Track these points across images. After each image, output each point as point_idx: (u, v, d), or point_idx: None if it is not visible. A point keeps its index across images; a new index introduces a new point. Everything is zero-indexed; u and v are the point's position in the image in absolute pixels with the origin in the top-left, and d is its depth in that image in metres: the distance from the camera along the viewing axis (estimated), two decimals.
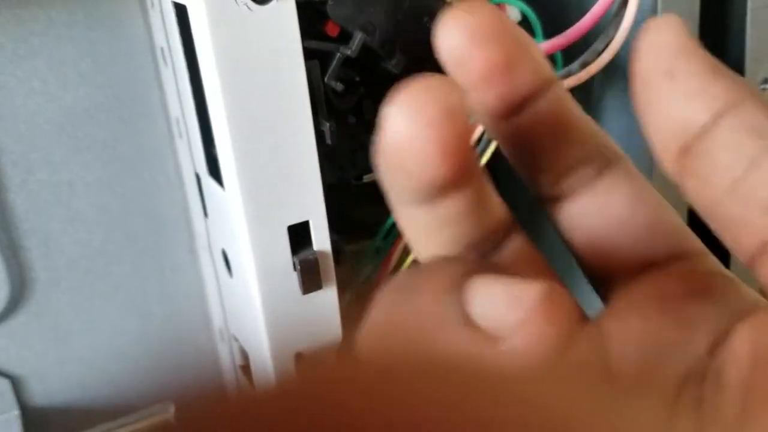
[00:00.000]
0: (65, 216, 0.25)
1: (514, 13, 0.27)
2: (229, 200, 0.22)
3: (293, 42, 0.20)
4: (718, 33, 0.29)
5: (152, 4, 0.24)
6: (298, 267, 0.22)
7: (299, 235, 0.22)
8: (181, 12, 0.22)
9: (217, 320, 0.28)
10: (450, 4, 0.24)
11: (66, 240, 0.26)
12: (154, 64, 0.25)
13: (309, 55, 0.21)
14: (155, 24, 0.24)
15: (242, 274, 0.23)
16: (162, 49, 0.24)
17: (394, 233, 0.27)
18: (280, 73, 0.20)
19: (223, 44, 0.20)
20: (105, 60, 0.25)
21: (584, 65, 0.26)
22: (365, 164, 0.25)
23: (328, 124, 0.22)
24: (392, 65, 0.22)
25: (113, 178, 0.26)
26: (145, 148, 0.26)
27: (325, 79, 0.22)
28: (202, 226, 0.26)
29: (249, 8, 0.20)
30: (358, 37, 0.21)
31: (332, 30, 0.22)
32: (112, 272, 0.26)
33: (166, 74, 0.25)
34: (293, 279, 0.22)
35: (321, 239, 0.22)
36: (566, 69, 0.26)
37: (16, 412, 0.26)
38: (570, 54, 0.27)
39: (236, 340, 0.27)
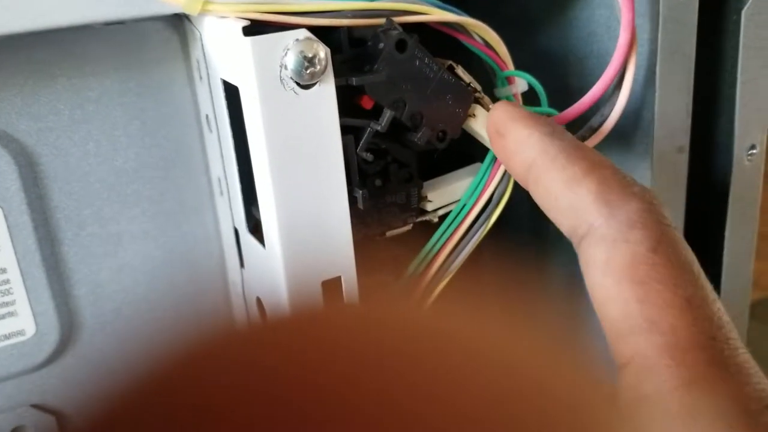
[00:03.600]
0: (113, 266, 0.28)
1: (522, 84, 0.29)
2: (268, 258, 0.25)
3: (332, 120, 0.23)
4: (710, 102, 0.31)
5: (200, 78, 0.26)
6: None
7: (332, 288, 0.25)
8: (230, 89, 0.24)
9: None
10: (470, 85, 0.26)
11: (113, 288, 0.28)
12: (198, 129, 0.28)
13: (344, 130, 0.24)
14: (201, 94, 0.27)
15: None
16: (207, 116, 0.27)
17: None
18: (320, 147, 0.23)
19: (272, 123, 0.22)
20: (153, 124, 0.27)
21: (582, 140, 0.28)
22: (389, 222, 0.27)
23: (360, 192, 0.25)
24: (417, 137, 0.25)
25: (157, 231, 0.28)
26: (187, 204, 0.28)
27: (358, 151, 0.24)
28: (237, 275, 0.29)
29: (295, 92, 0.22)
30: (387, 114, 0.24)
31: (367, 103, 0.24)
32: (153, 318, 0.29)
33: (210, 139, 0.27)
34: None
35: (351, 292, 0.25)
36: None
37: None
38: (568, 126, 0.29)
39: None
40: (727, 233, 0.32)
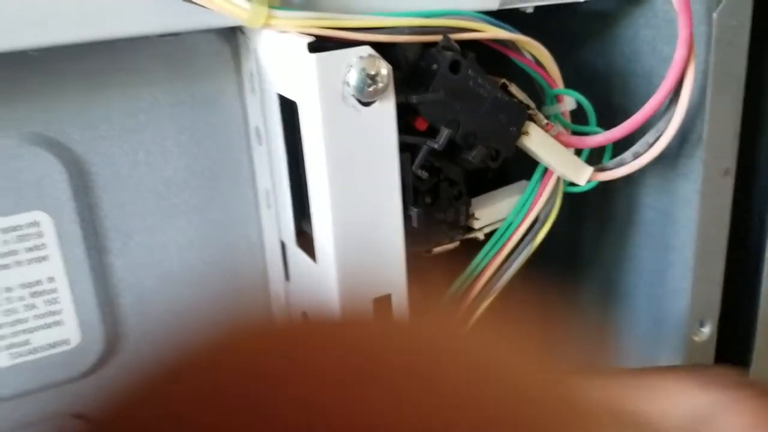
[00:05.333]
0: (158, 275, 0.28)
1: (571, 102, 0.29)
2: (320, 272, 0.24)
3: (391, 138, 0.23)
4: (756, 124, 0.31)
5: (252, 90, 0.26)
6: None
7: (382, 306, 0.24)
8: (285, 104, 0.24)
9: None
10: (526, 104, 0.26)
11: (156, 297, 0.28)
12: (247, 142, 0.28)
13: (401, 147, 0.24)
14: (252, 107, 0.27)
15: None
16: (257, 128, 0.27)
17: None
18: (378, 164, 0.23)
19: (332, 139, 0.22)
20: (202, 135, 0.27)
21: (636, 156, 0.28)
22: (437, 239, 0.27)
23: (415, 210, 0.24)
24: (472, 156, 0.25)
25: (202, 241, 0.28)
26: (233, 215, 0.28)
27: (413, 168, 0.24)
28: (281, 288, 0.28)
29: (356, 109, 0.22)
30: (444, 133, 0.24)
31: (421, 125, 0.24)
32: (194, 327, 0.28)
33: (259, 151, 0.27)
34: None
35: (401, 310, 0.25)
36: (619, 158, 0.29)
37: None
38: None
39: None
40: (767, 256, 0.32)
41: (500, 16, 0.26)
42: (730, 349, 0.33)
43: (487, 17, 0.26)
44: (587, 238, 0.36)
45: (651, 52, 0.31)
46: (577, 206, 0.33)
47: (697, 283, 0.30)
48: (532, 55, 0.28)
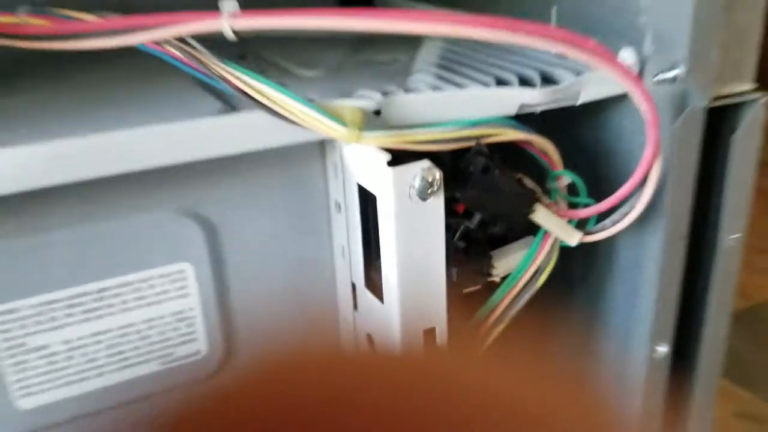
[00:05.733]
0: (261, 303, 0.38)
1: (567, 179, 0.39)
2: (386, 311, 0.35)
3: (440, 222, 0.33)
4: (705, 201, 0.41)
5: (335, 175, 0.36)
6: None
7: (429, 336, 0.35)
8: (362, 191, 0.34)
9: None
10: (535, 192, 0.36)
11: (259, 320, 0.38)
12: (327, 210, 0.38)
13: (446, 226, 0.33)
14: (333, 186, 0.37)
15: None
16: (336, 201, 0.37)
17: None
18: (430, 239, 0.33)
19: (401, 224, 0.32)
20: (295, 206, 0.37)
21: (614, 223, 0.38)
22: (467, 283, 0.37)
23: (454, 269, 0.35)
24: (496, 230, 0.35)
25: (292, 278, 0.38)
26: (314, 263, 0.38)
27: (454, 240, 0.34)
28: (350, 316, 0.39)
29: (418, 204, 0.32)
30: (477, 217, 0.34)
31: (460, 209, 0.34)
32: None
33: (337, 218, 0.37)
34: None
35: (442, 341, 0.35)
36: (601, 224, 0.39)
37: None
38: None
39: None
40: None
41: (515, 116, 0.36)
42: (683, 364, 0.43)
43: (508, 120, 0.36)
44: (577, 277, 0.46)
45: (631, 136, 0.41)
46: (569, 253, 0.43)
47: (656, 314, 0.40)
48: (541, 148, 0.37)
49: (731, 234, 0.40)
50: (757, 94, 0.39)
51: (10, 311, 0.32)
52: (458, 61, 0.40)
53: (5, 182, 0.28)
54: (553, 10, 0.43)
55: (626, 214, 0.38)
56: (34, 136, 0.29)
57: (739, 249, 0.41)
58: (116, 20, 0.31)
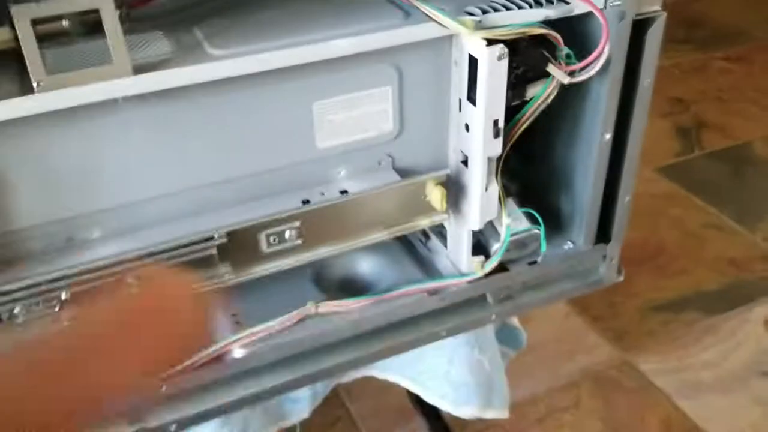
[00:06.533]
0: None
1: (565, 51, 0.80)
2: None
3: (505, 70, 0.74)
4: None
5: (458, 49, 0.77)
6: None
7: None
8: (471, 57, 0.75)
9: None
10: (547, 56, 0.78)
11: None
12: (449, 65, 0.79)
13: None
14: (455, 53, 0.78)
15: None
16: (455, 60, 0.78)
17: None
18: (501, 78, 0.75)
19: (489, 70, 0.74)
20: (437, 58, 0.79)
21: (587, 73, 0.80)
22: (516, 95, 0.79)
23: (510, 92, 0.77)
24: (529, 74, 0.77)
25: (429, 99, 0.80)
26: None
27: (510, 77, 0.76)
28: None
29: (495, 62, 0.73)
30: (521, 68, 0.76)
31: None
32: None
33: (455, 69, 0.79)
34: None
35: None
36: (579, 73, 0.80)
37: None
38: None
39: None
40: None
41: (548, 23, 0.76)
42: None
43: (539, 23, 0.77)
44: (563, 106, 0.88)
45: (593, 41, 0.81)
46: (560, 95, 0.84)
47: (606, 113, 0.83)
48: (554, 38, 0.78)
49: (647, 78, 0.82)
50: (661, 12, 0.79)
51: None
52: None
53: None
54: None
55: (593, 69, 0.80)
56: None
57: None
58: None
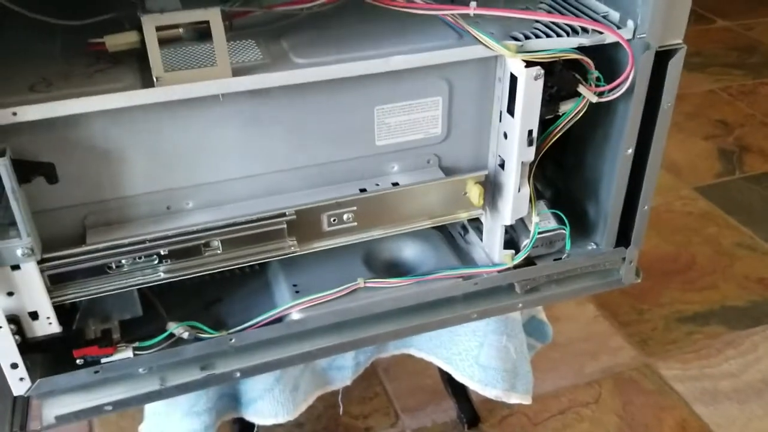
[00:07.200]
0: None
1: (595, 74, 0.92)
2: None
3: (540, 88, 0.87)
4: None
5: (501, 68, 0.90)
6: None
7: None
8: (512, 76, 0.88)
9: None
10: (578, 78, 0.90)
11: None
12: (494, 81, 0.92)
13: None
14: (499, 71, 0.91)
15: None
16: (499, 77, 0.91)
17: None
18: (536, 95, 0.87)
19: (526, 87, 0.86)
20: (483, 75, 0.92)
21: (613, 95, 0.91)
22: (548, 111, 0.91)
23: (543, 109, 0.89)
24: (562, 93, 0.89)
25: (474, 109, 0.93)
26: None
27: (545, 95, 0.89)
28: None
29: (532, 81, 0.86)
30: (555, 88, 0.88)
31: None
32: None
33: (498, 85, 0.91)
34: None
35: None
36: (606, 95, 0.92)
37: None
38: None
39: None
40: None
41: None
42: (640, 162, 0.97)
43: (573, 49, 0.89)
44: (593, 124, 1.00)
45: (618, 68, 0.93)
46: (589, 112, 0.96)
47: (629, 131, 0.95)
48: (586, 62, 0.90)
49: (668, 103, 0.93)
50: (682, 45, 0.90)
51: None
52: (546, 24, 0.92)
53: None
54: None
55: (619, 91, 0.91)
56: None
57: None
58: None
